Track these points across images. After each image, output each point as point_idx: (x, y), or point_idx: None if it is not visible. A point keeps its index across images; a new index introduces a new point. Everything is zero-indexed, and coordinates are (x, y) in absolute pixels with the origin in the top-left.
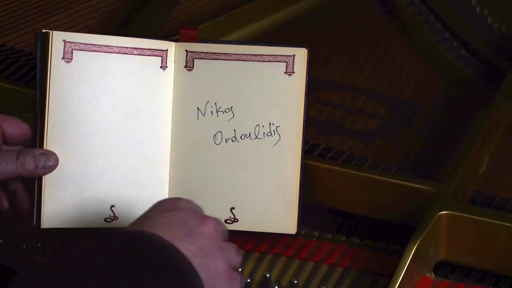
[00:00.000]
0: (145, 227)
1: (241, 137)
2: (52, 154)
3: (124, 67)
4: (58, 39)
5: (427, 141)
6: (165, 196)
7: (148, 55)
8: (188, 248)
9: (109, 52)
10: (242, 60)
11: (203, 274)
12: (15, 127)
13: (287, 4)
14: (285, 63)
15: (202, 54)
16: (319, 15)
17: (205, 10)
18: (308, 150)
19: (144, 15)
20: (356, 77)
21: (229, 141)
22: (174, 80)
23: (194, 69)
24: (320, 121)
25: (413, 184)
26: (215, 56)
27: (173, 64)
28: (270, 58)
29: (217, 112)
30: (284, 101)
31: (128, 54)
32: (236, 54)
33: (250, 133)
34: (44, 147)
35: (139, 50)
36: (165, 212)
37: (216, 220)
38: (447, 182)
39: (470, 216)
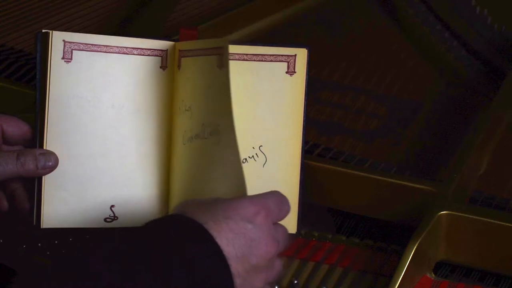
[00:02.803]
0: (217, 224)
1: None
2: (52, 154)
3: (124, 67)
4: (58, 39)
5: (427, 141)
6: (165, 196)
7: (148, 55)
8: (237, 268)
9: (109, 52)
10: (243, 59)
11: None
12: (15, 127)
13: (287, 4)
14: (286, 63)
15: (190, 52)
16: (319, 15)
17: (205, 10)
18: (308, 150)
19: (144, 15)
20: (356, 77)
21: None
22: (174, 79)
23: (180, 68)
24: (320, 121)
25: (413, 184)
26: (205, 53)
27: (172, 64)
28: (271, 58)
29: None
30: (285, 100)
31: (128, 54)
32: (237, 54)
33: None
34: (44, 147)
35: (139, 50)
36: (241, 222)
37: (280, 245)
38: (447, 182)
39: (470, 216)
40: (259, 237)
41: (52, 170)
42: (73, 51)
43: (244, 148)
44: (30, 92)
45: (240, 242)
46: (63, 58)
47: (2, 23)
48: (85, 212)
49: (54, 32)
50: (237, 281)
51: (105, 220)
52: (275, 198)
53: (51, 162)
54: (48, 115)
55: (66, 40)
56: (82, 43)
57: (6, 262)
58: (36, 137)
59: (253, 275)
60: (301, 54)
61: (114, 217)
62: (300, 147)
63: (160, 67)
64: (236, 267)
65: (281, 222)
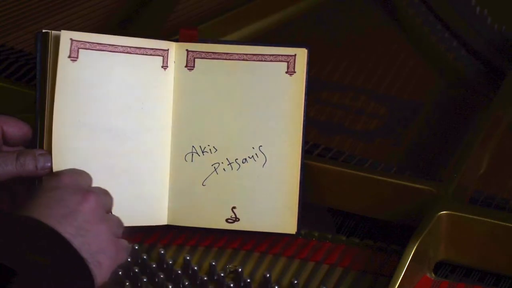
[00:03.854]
0: (26, 210)
1: None
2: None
3: (127, 67)
4: (65, 37)
5: (427, 141)
6: (166, 196)
7: (150, 54)
8: (67, 230)
9: (114, 52)
10: (243, 59)
11: (85, 254)
12: (16, 128)
13: (287, 4)
14: (286, 63)
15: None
16: (319, 15)
17: (205, 10)
18: (308, 150)
19: (144, 15)
20: (356, 77)
21: None
22: (174, 79)
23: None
24: (320, 121)
25: (413, 184)
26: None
27: (173, 63)
28: (271, 58)
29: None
30: (285, 100)
31: (131, 53)
32: (237, 54)
33: None
34: (44, 148)
35: (142, 49)
36: (46, 192)
37: (97, 194)
38: (447, 182)
39: (470, 216)
40: (66, 193)
41: (52, 171)
42: (80, 49)
43: (244, 148)
44: (30, 92)
45: (53, 207)
46: (69, 56)
47: (2, 23)
48: None
49: (62, 31)
50: (77, 240)
51: None
52: (68, 169)
53: (50, 163)
54: (48, 115)
55: (73, 38)
56: (88, 42)
57: (6, 262)
58: (36, 137)
59: (90, 228)
60: (301, 54)
61: None
62: (300, 147)
63: (162, 67)
64: (65, 230)
65: (280, 222)
